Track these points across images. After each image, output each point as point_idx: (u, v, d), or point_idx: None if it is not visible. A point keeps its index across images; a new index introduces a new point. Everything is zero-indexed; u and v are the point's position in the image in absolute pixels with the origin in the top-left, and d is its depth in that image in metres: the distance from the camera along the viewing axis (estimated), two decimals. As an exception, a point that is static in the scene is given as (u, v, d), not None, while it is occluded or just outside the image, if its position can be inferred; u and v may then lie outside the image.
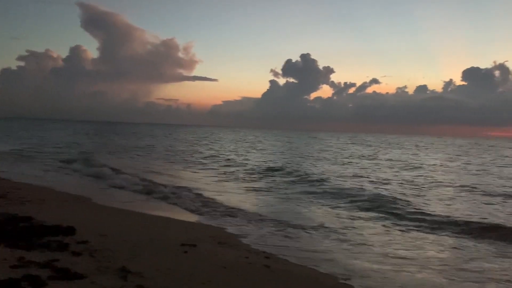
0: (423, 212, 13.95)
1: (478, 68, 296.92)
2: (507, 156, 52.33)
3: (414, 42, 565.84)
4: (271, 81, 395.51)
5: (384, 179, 23.45)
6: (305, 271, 7.81)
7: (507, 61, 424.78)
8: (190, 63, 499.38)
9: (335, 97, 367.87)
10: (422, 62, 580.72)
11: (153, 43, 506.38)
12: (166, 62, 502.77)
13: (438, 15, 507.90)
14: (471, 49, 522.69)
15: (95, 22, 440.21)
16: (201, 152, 41.51)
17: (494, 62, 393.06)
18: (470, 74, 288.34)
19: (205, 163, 30.69)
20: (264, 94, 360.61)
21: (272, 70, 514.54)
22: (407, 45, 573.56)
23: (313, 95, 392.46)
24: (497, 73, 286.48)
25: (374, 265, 8.44)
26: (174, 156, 36.69)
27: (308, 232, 11.05)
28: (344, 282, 7.36)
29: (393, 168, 31.07)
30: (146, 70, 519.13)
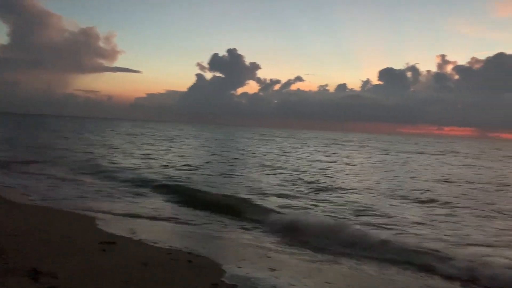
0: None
1: (392, 68, 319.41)
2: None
3: (336, 43, 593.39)
4: (198, 75, 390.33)
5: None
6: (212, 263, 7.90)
7: (418, 63, 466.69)
8: (112, 54, 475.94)
9: (261, 93, 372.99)
10: (342, 62, 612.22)
11: (71, 31, 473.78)
12: (86, 51, 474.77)
13: (358, 19, 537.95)
14: (387, 51, 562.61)
15: (4, 5, 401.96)
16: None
17: (407, 63, 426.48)
18: (386, 74, 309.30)
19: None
20: (190, 88, 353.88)
21: (198, 64, 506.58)
22: (330, 45, 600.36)
23: (240, 90, 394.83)
24: (409, 74, 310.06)
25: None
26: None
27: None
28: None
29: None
30: (63, 59, 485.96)
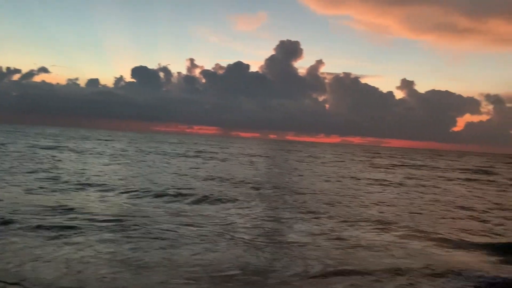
0: None
1: (146, 67, 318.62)
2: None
3: (88, 36, 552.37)
4: None
5: None
6: None
7: (169, 64, 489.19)
8: None
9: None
10: (95, 56, 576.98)
11: None
12: None
13: (112, 14, 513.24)
14: (140, 50, 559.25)
15: None
16: None
17: (159, 64, 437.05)
18: (139, 72, 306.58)
19: None
20: None
21: None
22: (81, 38, 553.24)
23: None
24: (162, 74, 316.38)
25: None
26: None
27: None
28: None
29: None
30: None
